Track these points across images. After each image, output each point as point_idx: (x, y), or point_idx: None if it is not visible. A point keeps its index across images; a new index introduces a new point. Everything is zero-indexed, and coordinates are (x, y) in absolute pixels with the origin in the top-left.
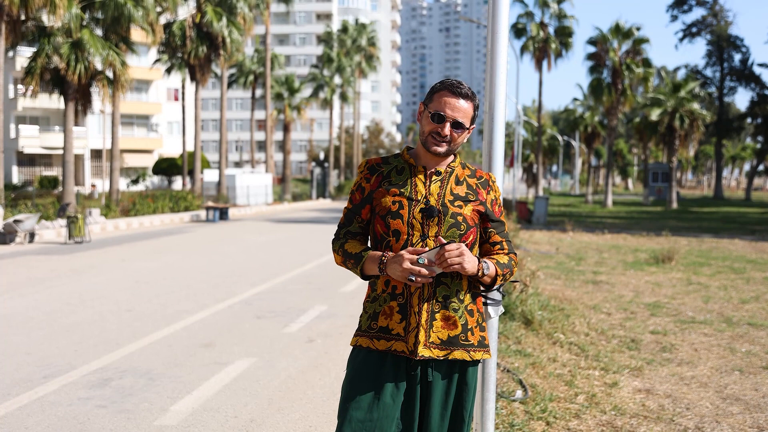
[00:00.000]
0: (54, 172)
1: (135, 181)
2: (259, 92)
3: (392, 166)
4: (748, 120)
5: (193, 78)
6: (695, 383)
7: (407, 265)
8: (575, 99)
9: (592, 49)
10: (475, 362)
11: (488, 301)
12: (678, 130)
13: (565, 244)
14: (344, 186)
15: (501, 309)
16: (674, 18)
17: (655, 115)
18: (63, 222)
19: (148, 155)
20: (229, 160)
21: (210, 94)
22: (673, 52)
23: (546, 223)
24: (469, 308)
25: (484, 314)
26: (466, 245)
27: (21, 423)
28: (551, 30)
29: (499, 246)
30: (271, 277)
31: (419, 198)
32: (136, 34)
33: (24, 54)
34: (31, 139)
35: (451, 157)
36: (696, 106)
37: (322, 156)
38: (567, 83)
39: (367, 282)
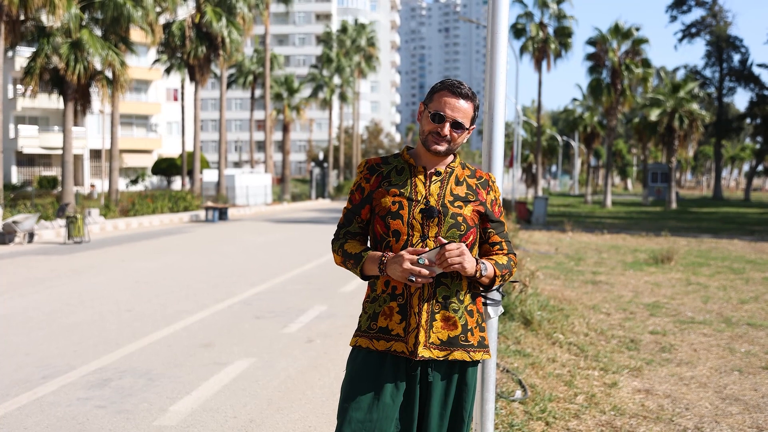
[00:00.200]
0: (53, 172)
1: (134, 182)
2: (258, 92)
3: (392, 166)
4: (748, 120)
5: (192, 78)
6: (694, 383)
7: (407, 265)
8: (574, 99)
9: (591, 49)
10: (475, 362)
11: (488, 302)
12: (677, 130)
13: (565, 245)
14: (343, 186)
15: (500, 309)
16: (673, 18)
17: (654, 115)
18: (62, 222)
19: (148, 155)
20: (229, 160)
21: (209, 94)
22: (673, 52)
23: (545, 223)
24: (468, 309)
25: (483, 314)
26: (466, 245)
27: (20, 423)
28: (551, 30)
29: (498, 246)
30: (270, 277)
31: (419, 198)
32: (136, 34)
33: (23, 54)
34: (31, 139)
35: (451, 157)
36: (695, 106)
37: (321, 156)
38: (566, 83)
39: (367, 282)
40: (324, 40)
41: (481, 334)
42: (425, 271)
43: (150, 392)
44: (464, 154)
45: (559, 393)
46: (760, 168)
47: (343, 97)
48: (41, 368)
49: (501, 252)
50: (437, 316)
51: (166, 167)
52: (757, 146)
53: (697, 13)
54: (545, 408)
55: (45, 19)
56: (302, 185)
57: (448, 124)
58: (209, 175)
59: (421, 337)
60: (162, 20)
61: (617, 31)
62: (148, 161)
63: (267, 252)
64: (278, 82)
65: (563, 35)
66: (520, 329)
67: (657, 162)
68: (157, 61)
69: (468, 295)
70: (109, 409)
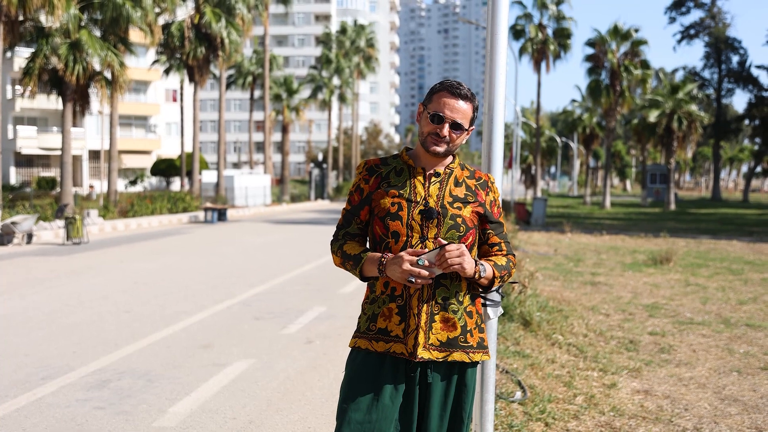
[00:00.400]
0: (52, 173)
1: (133, 182)
2: (257, 93)
3: (391, 167)
4: (746, 122)
5: (191, 79)
6: (693, 384)
7: (407, 266)
8: (573, 100)
9: (590, 50)
10: (474, 363)
11: (487, 303)
12: (676, 131)
13: (564, 246)
14: (343, 187)
15: (500, 310)
16: (672, 20)
17: (653, 116)
18: (61, 223)
19: (147, 156)
20: (228, 161)
21: (208, 95)
22: (672, 53)
23: (544, 224)
24: (468, 310)
25: (483, 315)
26: (466, 246)
27: (19, 425)
28: (550, 32)
29: (497, 247)
30: (269, 278)
31: (418, 199)
32: (135, 35)
33: (22, 54)
34: (29, 140)
35: (450, 158)
36: (694, 107)
37: (320, 157)
38: (565, 85)
39: (366, 283)
40: (323, 41)
41: (481, 335)
42: (425, 272)
43: (149, 393)
44: (463, 155)
45: (558, 394)
46: (759, 169)
47: (342, 98)
48: (40, 369)
49: (500, 253)
50: (436, 318)
51: (165, 168)
52: (756, 147)
53: (695, 15)
54: (544, 409)
55: (44, 19)
56: (301, 186)
57: (447, 125)
58: (208, 176)
59: (421, 339)
60: (161, 21)
61: (616, 33)
62: (147, 162)
63: (266, 253)
64: (277, 83)
65: (562, 36)
66: (519, 330)
67: (656, 163)
68: (156, 61)
69: (467, 296)
70: (108, 411)
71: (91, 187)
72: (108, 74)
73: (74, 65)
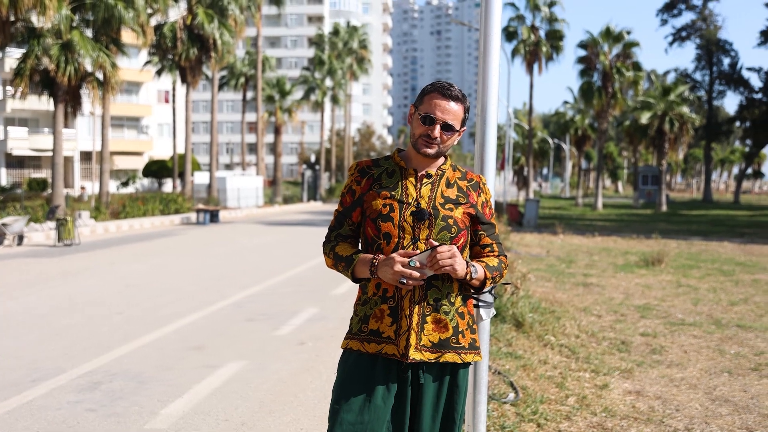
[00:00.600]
0: (43, 174)
1: (125, 184)
2: (250, 94)
3: (383, 169)
4: (737, 123)
5: (183, 80)
6: (685, 385)
7: (398, 267)
8: (566, 102)
9: (582, 52)
10: (466, 364)
11: (480, 304)
12: (667, 133)
13: (556, 247)
14: (335, 189)
15: (493, 311)
16: (664, 22)
17: (644, 118)
18: (52, 224)
19: (139, 157)
20: (220, 162)
21: (201, 96)
22: (663, 56)
23: (537, 225)
24: (459, 311)
25: (474, 316)
26: (457, 248)
27: (9, 427)
28: (542, 33)
29: (489, 248)
30: (261, 279)
31: (410, 201)
32: (127, 36)
33: (13, 55)
34: (20, 141)
35: (442, 160)
36: (685, 109)
37: (313, 158)
38: (558, 86)
39: (358, 285)
40: (316, 42)
41: (473, 336)
42: (416, 274)
43: (141, 395)
44: (456, 157)
45: (550, 395)
46: (750, 171)
47: (335, 100)
48: (31, 371)
49: (492, 254)
50: (428, 319)
51: (157, 169)
52: (747, 149)
53: (687, 17)
54: (537, 410)
55: (35, 20)
56: (294, 188)
57: (438, 126)
58: (200, 178)
59: (412, 340)
60: (153, 22)
61: (608, 35)
62: (138, 163)
63: (258, 254)
64: (270, 84)
65: (554, 38)
66: (511, 331)
67: (647, 165)
68: (148, 62)
69: (459, 298)
70: (100, 413)
71: (83, 188)
72: (100, 75)
73: (66, 66)
